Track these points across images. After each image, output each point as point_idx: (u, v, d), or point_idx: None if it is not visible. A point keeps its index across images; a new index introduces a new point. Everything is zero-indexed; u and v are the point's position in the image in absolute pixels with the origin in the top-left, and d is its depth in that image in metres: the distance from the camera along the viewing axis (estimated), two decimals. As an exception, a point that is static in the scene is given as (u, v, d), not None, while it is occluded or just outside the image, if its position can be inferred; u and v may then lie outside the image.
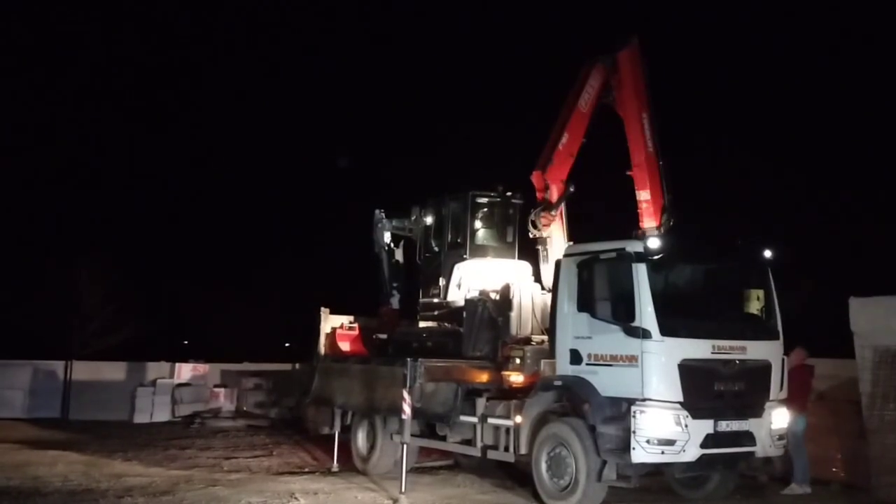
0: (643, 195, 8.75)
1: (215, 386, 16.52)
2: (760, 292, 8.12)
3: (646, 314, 7.26)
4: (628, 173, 8.88)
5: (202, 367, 16.90)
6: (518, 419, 8.12)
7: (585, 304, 7.74)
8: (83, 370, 16.39)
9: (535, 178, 9.15)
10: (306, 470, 10.34)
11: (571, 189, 8.69)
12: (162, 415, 15.78)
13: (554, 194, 9.01)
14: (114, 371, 16.69)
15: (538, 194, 9.16)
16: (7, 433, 13.28)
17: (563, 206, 9.09)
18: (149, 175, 29.55)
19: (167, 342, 21.63)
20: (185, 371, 16.67)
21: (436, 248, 10.41)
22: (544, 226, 8.97)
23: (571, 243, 8.67)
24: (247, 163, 31.75)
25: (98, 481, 9.12)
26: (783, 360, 7.93)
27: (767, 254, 8.13)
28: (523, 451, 8.06)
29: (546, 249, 8.97)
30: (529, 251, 9.59)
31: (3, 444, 12.13)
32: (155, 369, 16.71)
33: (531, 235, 9.17)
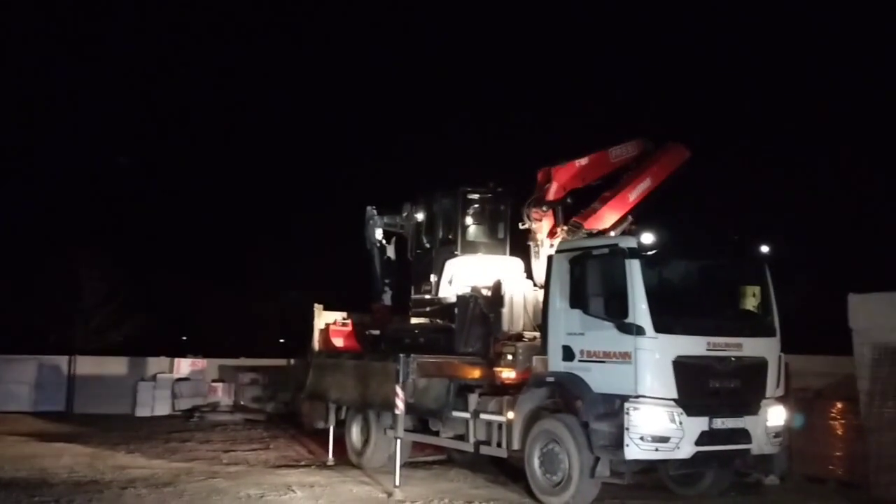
0: (597, 205, 8.87)
1: (213, 381, 16.63)
2: (757, 289, 8.02)
3: (639, 311, 7.19)
4: (599, 198, 9.01)
5: (200, 363, 17.01)
6: (510, 415, 8.09)
7: (578, 300, 7.67)
8: (86, 365, 16.57)
9: (542, 171, 9.18)
10: (302, 463, 10.39)
11: (569, 201, 8.68)
12: (162, 409, 15.94)
13: (551, 192, 8.94)
14: (115, 366, 16.85)
15: (538, 182, 9.11)
16: (14, 426, 13.44)
17: (557, 210, 9.00)
18: (148, 173, 29.72)
19: (166, 338, 21.78)
20: (184, 366, 16.79)
21: (427, 245, 10.39)
22: (535, 219, 8.92)
23: (563, 238, 8.58)
24: (242, 158, 31.84)
25: (103, 473, 9.24)
26: (780, 357, 7.84)
27: (764, 249, 8.03)
28: (516, 447, 8.03)
29: (538, 246, 8.92)
30: (521, 247, 9.54)
31: (10, 436, 12.30)
32: (155, 364, 16.83)
33: (521, 226, 9.15)
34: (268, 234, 26.85)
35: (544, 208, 8.85)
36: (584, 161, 9.21)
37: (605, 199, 8.96)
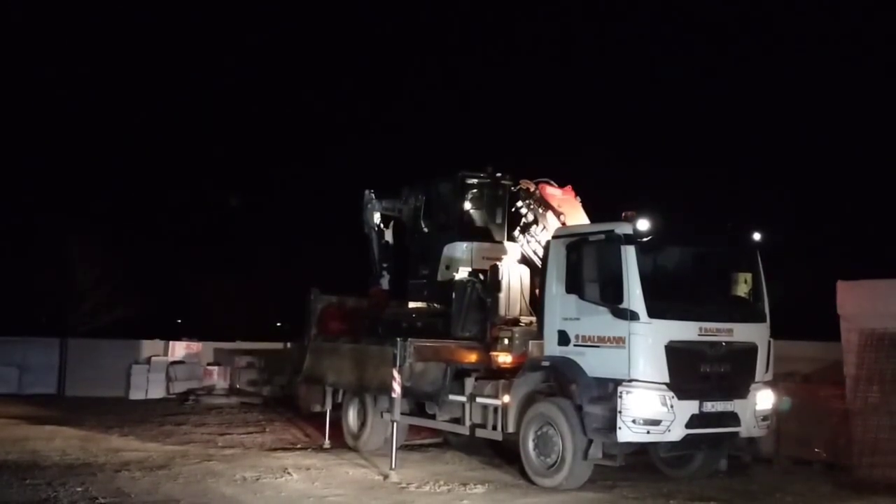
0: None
1: (209, 364, 16.64)
2: (748, 275, 8.17)
3: (634, 296, 7.31)
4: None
5: (195, 346, 17.00)
6: (506, 399, 8.22)
7: (574, 285, 7.79)
8: (78, 347, 16.48)
9: (564, 186, 9.07)
10: (298, 446, 10.46)
11: (562, 218, 8.72)
12: (157, 392, 15.90)
13: (548, 189, 8.95)
14: (109, 348, 16.77)
15: (551, 178, 9.10)
16: (4, 409, 13.30)
17: (546, 203, 8.96)
18: (141, 156, 29.43)
19: (161, 320, 21.75)
20: (179, 349, 16.77)
21: (425, 229, 10.40)
22: (524, 186, 8.91)
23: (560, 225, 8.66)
24: (235, 144, 31.56)
25: (95, 455, 9.22)
26: (769, 342, 8.00)
27: (757, 237, 8.16)
28: (511, 429, 8.17)
29: (527, 222, 8.95)
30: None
31: (0, 419, 12.19)
32: (149, 347, 16.79)
33: (512, 188, 9.17)
34: (263, 218, 26.76)
35: (533, 189, 8.88)
36: (584, 219, 8.77)
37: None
